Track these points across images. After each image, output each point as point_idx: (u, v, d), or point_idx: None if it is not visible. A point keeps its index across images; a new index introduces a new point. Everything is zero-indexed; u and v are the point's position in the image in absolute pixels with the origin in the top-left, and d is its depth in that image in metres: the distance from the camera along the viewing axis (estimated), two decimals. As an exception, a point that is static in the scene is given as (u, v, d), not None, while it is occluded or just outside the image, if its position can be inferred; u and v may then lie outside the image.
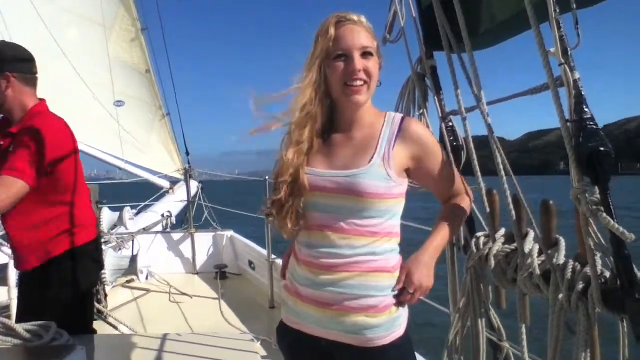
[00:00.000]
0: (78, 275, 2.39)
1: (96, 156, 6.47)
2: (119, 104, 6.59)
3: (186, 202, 6.58)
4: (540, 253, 1.68)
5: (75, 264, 2.39)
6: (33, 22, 6.02)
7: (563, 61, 1.35)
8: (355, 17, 1.51)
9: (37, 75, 2.46)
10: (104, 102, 6.63)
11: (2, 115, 2.44)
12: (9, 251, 3.56)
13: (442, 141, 2.08)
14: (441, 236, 1.59)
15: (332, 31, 1.48)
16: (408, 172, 1.55)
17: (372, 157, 1.48)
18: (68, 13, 6.47)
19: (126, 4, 6.96)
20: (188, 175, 6.84)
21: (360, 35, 1.49)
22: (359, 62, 1.46)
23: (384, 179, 1.46)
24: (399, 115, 1.57)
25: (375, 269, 1.48)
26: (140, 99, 7.21)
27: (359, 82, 1.48)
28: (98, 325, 4.00)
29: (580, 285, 1.47)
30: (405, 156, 1.51)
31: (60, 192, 2.36)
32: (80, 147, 6.14)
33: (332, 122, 1.60)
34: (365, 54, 1.48)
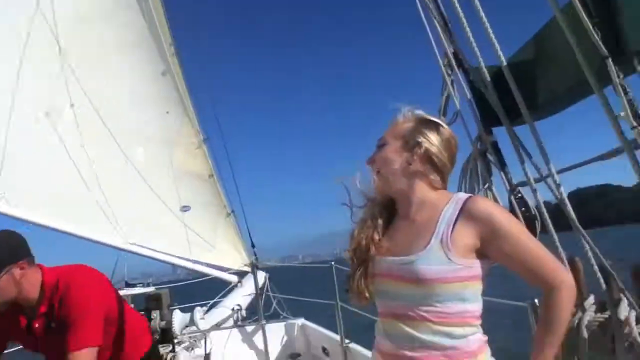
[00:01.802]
0: None
1: (167, 261, 6.70)
2: (186, 209, 6.89)
3: (254, 294, 6.59)
4: (638, 321, 1.60)
5: None
6: (109, 146, 6.59)
7: (635, 124, 1.35)
8: (398, 117, 1.66)
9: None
10: (172, 210, 6.97)
11: None
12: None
13: (512, 213, 2.07)
14: (555, 339, 1.44)
15: None
16: (480, 253, 1.45)
17: (430, 241, 1.44)
18: (137, 134, 7.05)
19: (187, 119, 7.50)
20: (255, 267, 6.90)
21: (385, 132, 1.66)
22: (369, 157, 1.65)
23: (444, 262, 1.40)
24: (465, 195, 1.53)
25: (454, 355, 1.42)
26: (205, 201, 7.53)
27: (374, 171, 1.63)
28: None
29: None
30: (470, 236, 1.43)
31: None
32: (153, 254, 6.37)
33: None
34: (378, 147, 1.64)
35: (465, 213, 1.45)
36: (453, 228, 1.44)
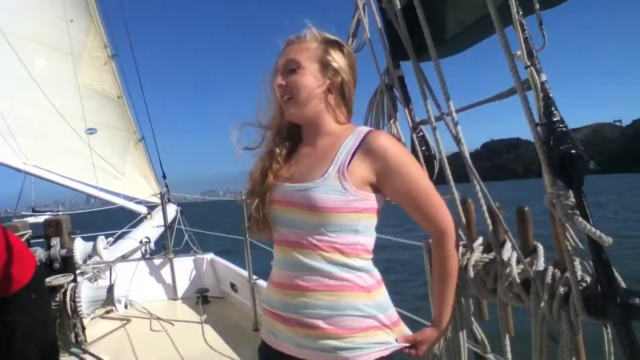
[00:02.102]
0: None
1: (69, 186, 6.34)
2: (91, 131, 6.48)
3: (164, 227, 6.46)
4: (519, 261, 1.63)
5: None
6: (4, 51, 5.93)
7: (529, 63, 1.32)
8: (295, 37, 1.56)
9: None
10: (76, 131, 6.51)
11: None
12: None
13: (414, 151, 2.05)
14: (446, 307, 1.62)
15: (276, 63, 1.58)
16: (375, 187, 1.47)
17: (327, 170, 1.45)
18: (36, 43, 6.38)
19: (95, 31, 6.89)
20: (165, 198, 6.71)
21: (289, 53, 1.54)
22: (278, 79, 1.52)
23: (339, 192, 1.41)
24: (366, 129, 1.53)
25: (348, 287, 1.43)
26: (114, 125, 7.11)
27: (284, 97, 1.52)
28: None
29: (561, 293, 1.42)
30: (366, 168, 1.44)
31: None
32: (53, 177, 6.00)
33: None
34: (290, 70, 1.52)
35: (364, 146, 1.46)
36: (351, 160, 1.45)
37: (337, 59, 1.54)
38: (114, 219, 7.85)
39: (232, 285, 5.69)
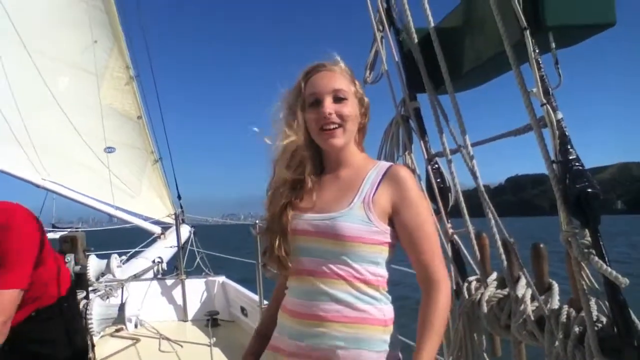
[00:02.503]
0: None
1: (86, 203, 6.41)
2: (110, 150, 6.56)
3: (177, 248, 6.48)
4: (533, 299, 1.61)
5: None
6: (29, 70, 6.07)
7: (545, 101, 1.33)
8: (329, 64, 1.52)
9: None
10: (94, 149, 6.61)
11: None
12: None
13: (428, 183, 2.05)
14: (436, 339, 1.39)
15: (302, 83, 1.51)
16: (390, 221, 1.45)
17: (353, 200, 1.44)
18: (60, 62, 6.53)
19: (118, 52, 7.04)
20: (179, 219, 6.75)
21: (332, 79, 1.49)
22: (329, 106, 1.46)
23: (364, 222, 1.40)
24: (388, 163, 1.55)
25: (368, 320, 1.40)
26: (132, 145, 7.20)
27: (332, 126, 1.47)
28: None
29: (576, 332, 1.40)
30: (387, 200, 1.44)
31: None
32: (71, 194, 6.06)
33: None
34: (338, 99, 1.48)
35: (387, 176, 1.46)
36: (376, 191, 1.45)
37: (367, 99, 1.57)
38: (129, 238, 7.89)
39: (243, 310, 5.66)
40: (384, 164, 1.52)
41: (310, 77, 1.51)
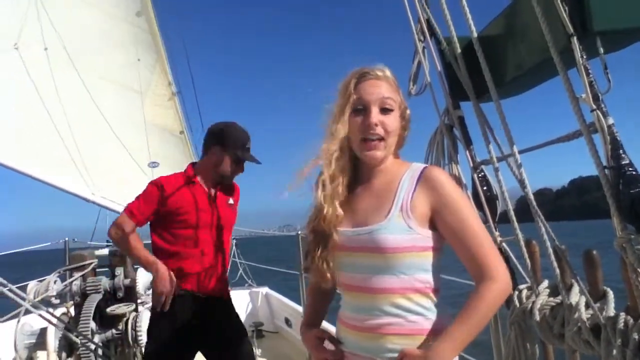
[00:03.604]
0: None
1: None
2: (154, 165, 6.72)
3: None
4: (587, 306, 1.59)
5: None
6: (78, 89, 6.33)
7: (594, 107, 1.32)
8: (378, 72, 1.49)
9: None
10: (140, 165, 6.79)
11: None
12: (48, 315, 3.62)
13: (474, 191, 2.04)
14: (467, 328, 1.32)
15: (352, 86, 1.48)
16: (432, 224, 1.42)
17: (390, 210, 1.40)
18: (106, 81, 6.77)
19: (159, 69, 7.25)
20: (223, 232, 6.85)
21: (381, 89, 1.46)
22: (375, 116, 1.44)
23: (405, 231, 1.37)
24: (422, 165, 1.50)
25: (422, 331, 1.38)
26: (175, 159, 7.36)
27: (375, 137, 1.45)
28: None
29: (635, 340, 1.37)
30: (425, 204, 1.40)
31: None
32: (119, 208, 6.23)
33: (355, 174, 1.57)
34: (385, 110, 1.46)
35: (422, 181, 1.42)
36: (412, 196, 1.41)
37: (408, 109, 1.55)
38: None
39: (287, 321, 5.69)
40: (417, 166, 1.48)
41: (360, 82, 1.48)
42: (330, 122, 1.52)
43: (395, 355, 1.37)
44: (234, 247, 7.46)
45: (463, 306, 1.33)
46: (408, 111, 1.55)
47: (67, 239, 5.84)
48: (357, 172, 1.56)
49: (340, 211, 1.48)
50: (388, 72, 1.51)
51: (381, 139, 1.45)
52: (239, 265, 7.10)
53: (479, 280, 1.35)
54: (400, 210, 1.39)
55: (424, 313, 1.40)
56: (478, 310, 1.32)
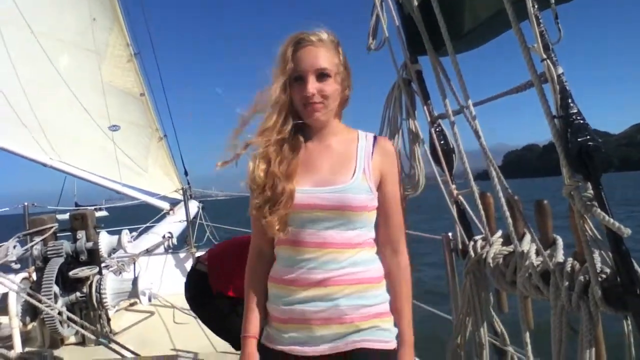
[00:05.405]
0: None
1: (94, 181, 6.48)
2: (114, 128, 6.58)
3: (186, 222, 6.57)
4: (538, 254, 1.64)
5: None
6: (31, 49, 6.07)
7: (545, 57, 1.33)
8: (314, 37, 1.53)
9: None
10: (100, 127, 6.64)
11: None
12: (7, 281, 3.56)
13: (432, 145, 2.06)
14: (409, 319, 1.58)
15: (289, 53, 1.52)
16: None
17: (355, 172, 1.51)
18: (60, 41, 6.51)
19: (117, 30, 7.01)
20: (187, 195, 6.81)
21: (317, 57, 1.51)
22: (311, 86, 1.49)
23: (367, 191, 1.50)
24: (371, 134, 1.64)
25: (367, 280, 1.50)
26: (136, 122, 7.22)
27: (311, 103, 1.50)
28: (101, 350, 3.98)
29: (581, 283, 1.43)
30: (378, 170, 1.55)
31: None
32: (78, 172, 6.12)
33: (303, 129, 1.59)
34: (322, 76, 1.50)
35: (377, 148, 1.57)
36: (371, 161, 1.55)
37: (349, 68, 1.60)
38: (139, 215, 7.99)
39: None
40: (368, 134, 1.62)
41: (297, 49, 1.52)
42: (271, 88, 1.54)
43: (342, 301, 1.45)
44: (200, 210, 7.44)
45: (400, 291, 1.57)
46: (349, 69, 1.60)
47: (26, 203, 5.71)
48: (305, 133, 1.59)
49: (293, 168, 1.52)
50: (325, 36, 1.54)
51: (320, 103, 1.51)
52: (206, 228, 7.09)
53: (397, 260, 1.58)
54: (363, 172, 1.51)
55: (372, 264, 1.54)
56: (409, 295, 1.60)
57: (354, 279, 1.47)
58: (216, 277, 2.64)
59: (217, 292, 2.61)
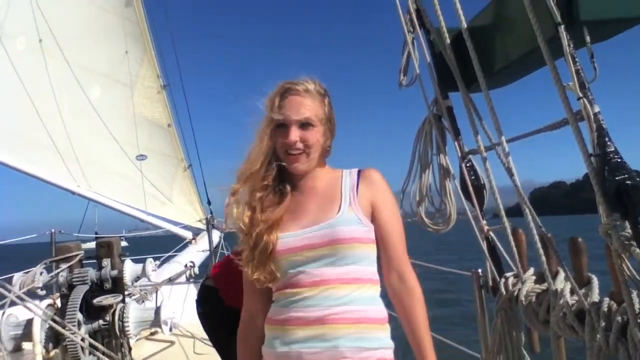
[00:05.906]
0: None
1: (120, 209, 6.58)
2: (142, 157, 6.72)
3: (209, 252, 6.58)
4: (572, 292, 1.61)
5: None
6: (66, 80, 6.27)
7: (581, 95, 1.34)
8: (301, 87, 1.56)
9: None
10: (129, 156, 6.78)
11: None
12: (34, 307, 3.59)
13: (462, 180, 2.06)
14: (430, 343, 1.53)
15: (276, 102, 1.55)
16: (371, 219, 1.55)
17: (340, 206, 1.53)
18: (94, 73, 6.72)
19: (147, 62, 7.22)
20: (210, 224, 6.86)
21: (302, 106, 1.54)
22: (294, 134, 1.52)
23: (356, 222, 1.50)
24: (355, 169, 1.65)
25: (368, 320, 1.47)
26: (162, 152, 7.36)
27: (296, 152, 1.53)
28: (122, 380, 3.95)
29: (618, 325, 1.40)
30: (366, 199, 1.55)
31: None
32: (104, 200, 6.22)
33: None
34: (305, 125, 1.53)
35: (362, 179, 1.59)
36: (357, 192, 1.56)
37: (334, 116, 1.64)
38: (161, 244, 8.04)
39: None
40: (352, 170, 1.63)
41: (283, 98, 1.56)
42: (259, 130, 1.59)
43: (341, 342, 1.42)
44: (221, 239, 7.43)
45: (417, 324, 1.51)
46: (334, 119, 1.64)
47: (53, 230, 5.81)
48: (290, 176, 1.62)
49: (276, 217, 1.53)
50: (312, 86, 1.59)
51: (302, 152, 1.54)
52: None
53: (407, 292, 1.53)
54: (349, 204, 1.53)
55: (373, 304, 1.50)
56: (426, 322, 1.53)
57: (353, 318, 1.44)
58: (224, 290, 2.65)
59: (228, 306, 2.64)
